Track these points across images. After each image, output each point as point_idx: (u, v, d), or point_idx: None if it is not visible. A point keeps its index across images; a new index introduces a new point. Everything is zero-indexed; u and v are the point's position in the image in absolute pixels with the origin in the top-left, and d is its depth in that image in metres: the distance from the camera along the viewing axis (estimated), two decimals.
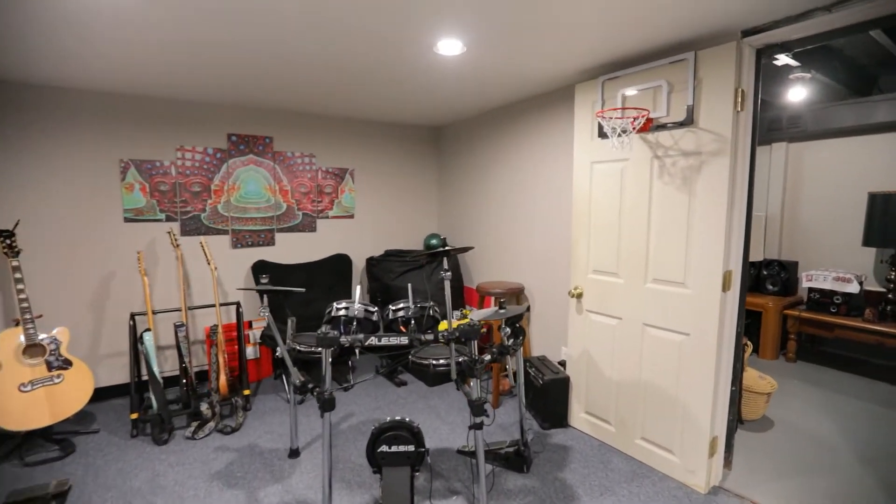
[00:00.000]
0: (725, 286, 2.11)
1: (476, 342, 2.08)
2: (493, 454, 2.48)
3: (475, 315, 2.17)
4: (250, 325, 3.64)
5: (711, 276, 2.12)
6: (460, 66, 2.54)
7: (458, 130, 4.30)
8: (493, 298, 3.66)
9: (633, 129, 2.08)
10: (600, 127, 2.47)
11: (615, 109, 2.08)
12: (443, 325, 2.42)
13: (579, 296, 2.77)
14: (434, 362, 2.19)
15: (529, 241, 3.47)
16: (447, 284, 1.99)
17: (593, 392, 2.74)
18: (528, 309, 3.45)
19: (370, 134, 4.29)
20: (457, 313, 4.01)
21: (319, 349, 2.37)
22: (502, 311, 2.25)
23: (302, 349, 2.39)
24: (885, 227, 3.61)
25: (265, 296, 2.24)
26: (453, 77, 2.76)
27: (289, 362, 2.24)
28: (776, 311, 4.10)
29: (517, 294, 3.37)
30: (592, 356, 2.73)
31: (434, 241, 4.37)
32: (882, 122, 3.68)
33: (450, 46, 2.22)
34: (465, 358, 2.08)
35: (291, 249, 3.95)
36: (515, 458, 2.44)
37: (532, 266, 3.46)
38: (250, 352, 3.59)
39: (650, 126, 2.21)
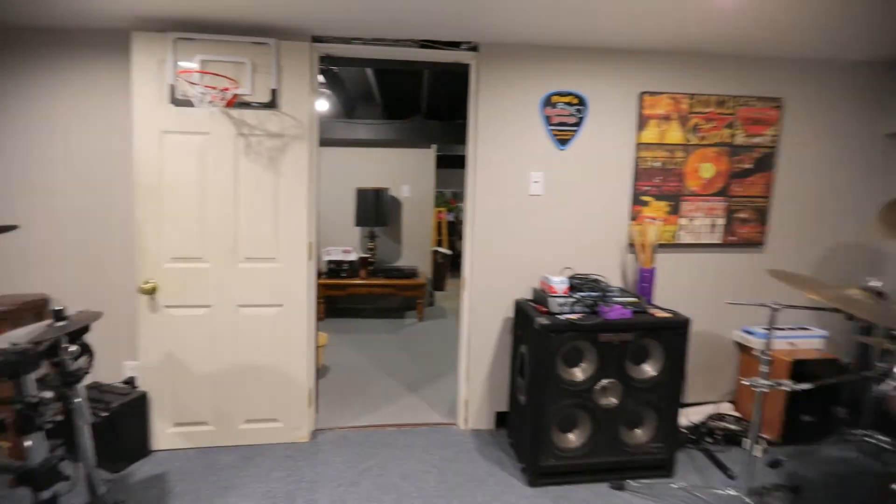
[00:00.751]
0: (310, 256, 2.45)
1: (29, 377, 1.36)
2: None
3: (16, 336, 1.40)
4: None
5: (299, 248, 2.39)
6: None
7: None
8: None
9: (224, 99, 1.97)
10: (173, 91, 2.13)
11: (202, 72, 1.89)
12: None
13: (152, 291, 2.32)
14: None
15: (57, 233, 2.47)
16: None
17: (183, 398, 2.41)
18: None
19: None
20: None
21: None
22: (62, 322, 1.57)
23: None
24: (365, 213, 5.24)
25: None
26: None
27: None
28: None
29: (39, 309, 2.35)
30: (178, 357, 2.38)
31: None
32: (361, 139, 5.25)
33: None
34: (13, 405, 1.32)
35: None
36: None
37: (59, 266, 2.49)
38: None
39: (234, 102, 2.16)
